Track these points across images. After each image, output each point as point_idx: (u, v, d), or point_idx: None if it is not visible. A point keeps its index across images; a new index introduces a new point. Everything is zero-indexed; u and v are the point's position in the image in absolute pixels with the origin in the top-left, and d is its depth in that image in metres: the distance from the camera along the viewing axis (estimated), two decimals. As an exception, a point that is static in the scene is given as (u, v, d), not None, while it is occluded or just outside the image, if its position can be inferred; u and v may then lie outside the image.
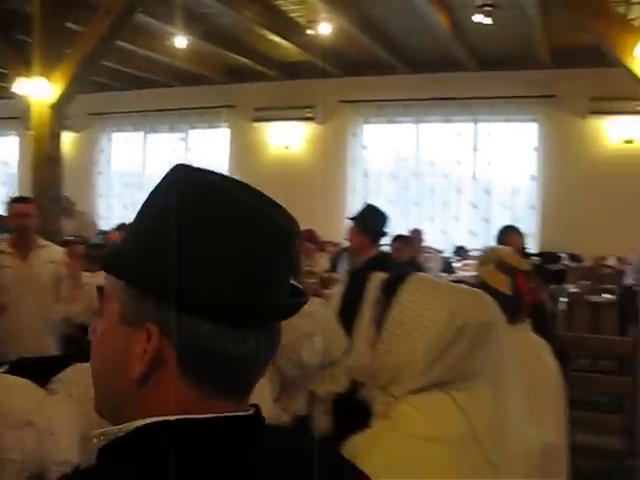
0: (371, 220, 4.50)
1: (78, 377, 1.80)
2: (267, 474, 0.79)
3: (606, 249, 9.20)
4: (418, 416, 1.43)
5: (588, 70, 9.11)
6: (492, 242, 5.16)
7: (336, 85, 10.93)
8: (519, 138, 10.55)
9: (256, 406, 0.84)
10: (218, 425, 0.78)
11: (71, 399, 1.73)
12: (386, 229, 4.54)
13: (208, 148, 12.33)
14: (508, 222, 6.03)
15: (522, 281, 2.43)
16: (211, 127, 12.37)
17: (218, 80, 11.60)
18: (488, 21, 7.88)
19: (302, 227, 0.93)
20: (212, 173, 0.84)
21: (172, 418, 0.76)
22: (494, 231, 5.13)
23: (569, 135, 10.09)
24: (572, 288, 7.52)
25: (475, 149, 10.78)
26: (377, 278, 3.69)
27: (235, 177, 0.85)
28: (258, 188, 0.84)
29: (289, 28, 9.04)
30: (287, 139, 11.63)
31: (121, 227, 4.94)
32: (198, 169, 0.84)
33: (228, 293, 0.76)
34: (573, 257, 9.24)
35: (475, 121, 10.75)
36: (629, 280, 8.01)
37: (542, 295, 5.54)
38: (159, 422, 0.77)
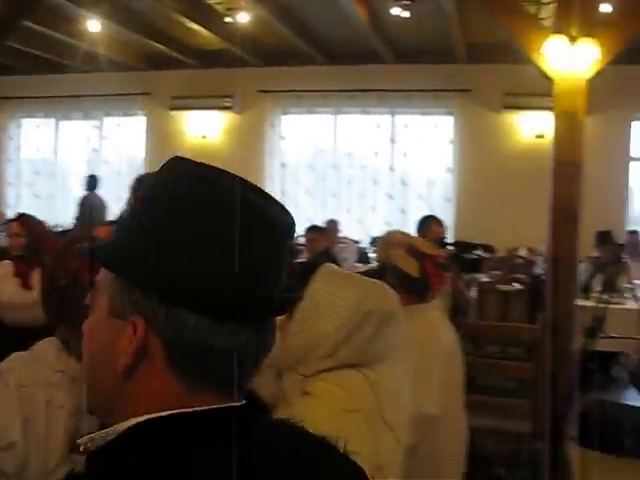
0: None
1: (15, 365, 1.75)
2: (266, 463, 0.78)
3: (518, 240, 9.47)
4: (340, 391, 1.57)
5: (502, 66, 9.31)
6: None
7: (254, 75, 10.85)
8: (435, 131, 10.72)
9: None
10: (211, 417, 0.76)
11: (9, 388, 1.69)
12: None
13: (123, 136, 11.99)
14: (424, 213, 6.12)
15: (429, 265, 2.65)
16: (126, 115, 12.04)
17: (134, 67, 11.31)
18: (406, 14, 7.99)
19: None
20: (209, 168, 0.82)
21: (164, 414, 0.75)
22: (410, 222, 5.21)
23: (484, 129, 10.34)
24: (484, 278, 7.72)
25: (392, 141, 10.90)
26: None
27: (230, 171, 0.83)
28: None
29: (207, 16, 8.91)
30: (204, 128, 11.47)
31: (21, 217, 4.65)
32: (195, 163, 0.83)
33: (215, 287, 0.75)
34: (486, 248, 9.49)
35: (392, 113, 10.87)
36: (538, 270, 8.28)
37: (459, 283, 5.69)
38: (151, 419, 0.75)
